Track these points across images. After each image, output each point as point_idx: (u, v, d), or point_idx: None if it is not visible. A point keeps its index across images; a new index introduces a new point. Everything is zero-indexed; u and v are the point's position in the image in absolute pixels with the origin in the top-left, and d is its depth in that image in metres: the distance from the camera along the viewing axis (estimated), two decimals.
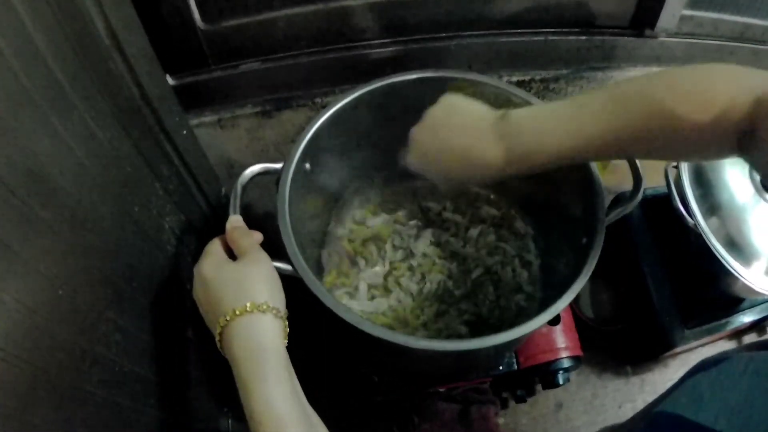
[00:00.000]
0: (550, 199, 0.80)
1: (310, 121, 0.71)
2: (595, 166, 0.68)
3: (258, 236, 0.63)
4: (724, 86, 0.49)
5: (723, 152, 0.53)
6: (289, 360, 0.54)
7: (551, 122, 0.57)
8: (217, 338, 0.54)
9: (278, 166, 0.68)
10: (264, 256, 0.59)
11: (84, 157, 0.50)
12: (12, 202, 0.39)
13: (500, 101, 0.73)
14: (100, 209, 0.53)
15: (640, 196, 0.66)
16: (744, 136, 0.49)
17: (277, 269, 0.60)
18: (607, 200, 0.68)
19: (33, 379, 0.42)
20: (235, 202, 0.65)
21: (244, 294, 0.54)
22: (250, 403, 0.49)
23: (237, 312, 0.52)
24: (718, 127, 0.49)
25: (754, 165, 0.54)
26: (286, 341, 0.56)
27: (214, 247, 0.60)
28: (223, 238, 0.62)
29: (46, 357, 0.44)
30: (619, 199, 0.93)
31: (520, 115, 0.59)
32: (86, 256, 0.50)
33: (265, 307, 0.53)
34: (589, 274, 0.61)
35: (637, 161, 0.68)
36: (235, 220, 0.63)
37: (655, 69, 0.95)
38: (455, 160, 0.62)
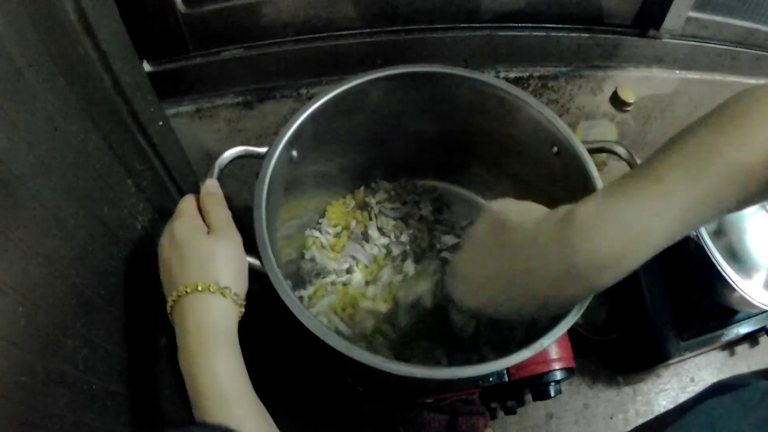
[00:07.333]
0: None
1: (304, 105, 0.66)
2: (595, 170, 0.64)
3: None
4: None
5: None
6: (238, 344, 0.52)
7: (636, 214, 0.44)
8: (169, 303, 0.52)
9: (262, 150, 0.63)
10: (237, 236, 0.56)
11: (46, 153, 0.45)
12: None
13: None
14: (65, 211, 0.48)
15: None
16: None
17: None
18: None
19: None
20: (214, 169, 0.60)
21: (211, 272, 0.52)
22: (197, 378, 0.48)
23: (199, 287, 0.51)
24: None
25: None
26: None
27: (188, 206, 0.57)
28: (197, 197, 0.58)
29: (6, 381, 0.39)
30: None
31: (589, 213, 0.46)
32: (49, 264, 0.45)
33: (227, 291, 0.52)
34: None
35: (638, 161, 0.64)
36: (211, 185, 0.59)
37: (656, 70, 0.93)
38: (511, 290, 0.52)
